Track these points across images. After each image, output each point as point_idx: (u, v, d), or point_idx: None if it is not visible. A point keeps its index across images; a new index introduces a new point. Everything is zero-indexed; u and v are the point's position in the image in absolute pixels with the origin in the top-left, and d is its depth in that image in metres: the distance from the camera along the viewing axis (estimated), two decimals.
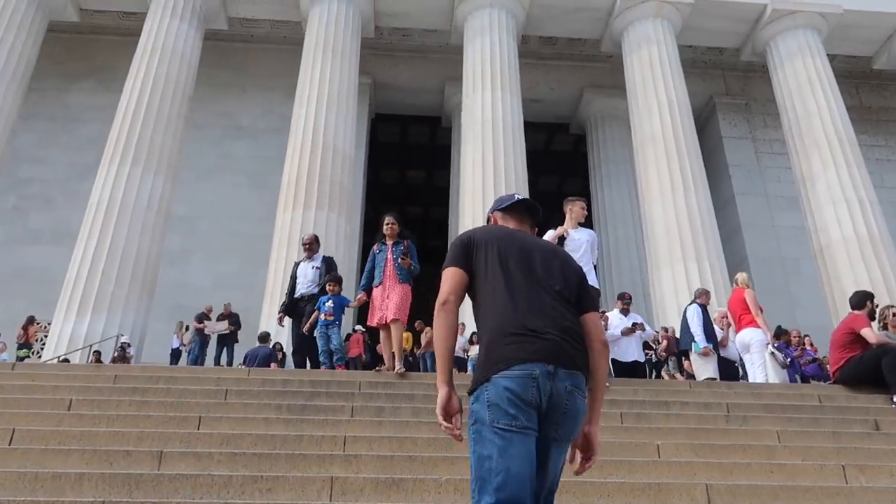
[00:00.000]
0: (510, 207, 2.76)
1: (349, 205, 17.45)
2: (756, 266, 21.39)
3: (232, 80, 22.72)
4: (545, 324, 2.34)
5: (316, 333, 7.87)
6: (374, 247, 7.63)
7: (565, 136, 27.69)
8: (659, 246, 16.90)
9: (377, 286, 7.31)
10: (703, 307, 7.97)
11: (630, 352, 8.45)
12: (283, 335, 14.47)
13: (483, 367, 2.33)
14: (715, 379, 7.53)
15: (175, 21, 18.25)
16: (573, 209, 6.31)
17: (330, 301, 7.84)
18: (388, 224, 7.43)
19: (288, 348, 11.04)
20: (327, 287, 8.01)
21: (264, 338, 13.05)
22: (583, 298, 2.53)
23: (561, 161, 28.61)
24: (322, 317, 7.80)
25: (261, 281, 16.29)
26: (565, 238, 6.12)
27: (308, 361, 8.54)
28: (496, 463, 2.16)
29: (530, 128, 20.50)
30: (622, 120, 23.69)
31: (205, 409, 5.44)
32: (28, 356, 15.10)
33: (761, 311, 7.66)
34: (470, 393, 2.37)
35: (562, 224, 6.43)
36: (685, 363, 9.37)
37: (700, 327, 7.71)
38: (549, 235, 6.15)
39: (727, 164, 23.08)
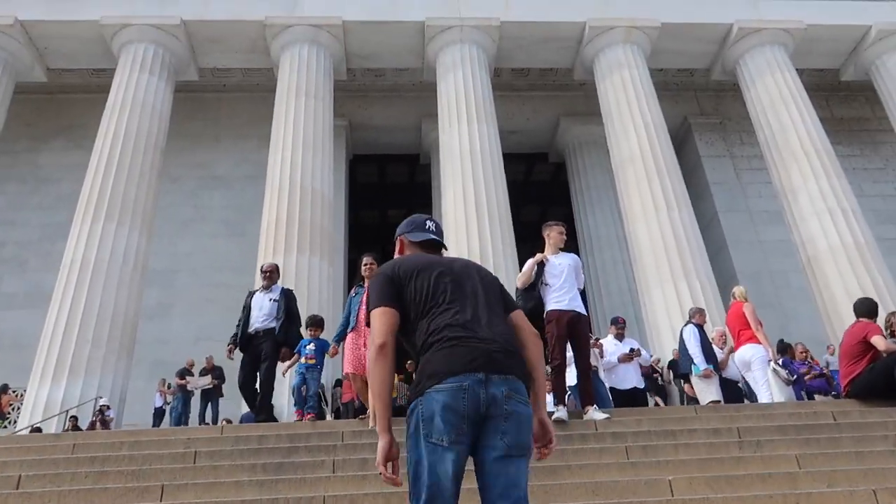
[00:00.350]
0: (423, 243, 2.81)
1: (331, 248, 17.13)
2: (745, 282, 21.18)
3: (205, 131, 22.54)
4: (474, 336, 2.38)
5: (293, 376, 7.56)
6: (352, 290, 6.92)
7: (545, 166, 27.70)
8: (647, 266, 16.70)
9: (351, 332, 6.65)
10: (700, 327, 7.64)
11: (628, 378, 8.14)
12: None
13: (417, 383, 2.36)
14: (719, 402, 7.17)
15: (144, 75, 18.09)
16: (551, 234, 5.94)
17: (312, 345, 7.32)
18: (366, 265, 6.68)
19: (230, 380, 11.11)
20: (308, 332, 7.44)
21: None
22: (507, 301, 2.64)
23: (542, 190, 28.57)
24: (303, 360, 7.25)
25: None
26: (544, 264, 5.91)
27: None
28: (427, 476, 2.20)
29: (510, 159, 20.42)
30: (600, 145, 23.73)
31: (170, 476, 4.95)
32: (4, 426, 14.43)
33: (761, 325, 7.35)
34: (407, 405, 2.40)
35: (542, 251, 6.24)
36: (685, 387, 9.04)
37: (699, 348, 7.38)
38: (528, 263, 5.99)
39: (708, 182, 23.10)
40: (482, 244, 16.16)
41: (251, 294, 7.88)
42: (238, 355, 7.64)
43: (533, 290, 5.90)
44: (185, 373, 14.59)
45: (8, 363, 17.27)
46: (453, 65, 19.28)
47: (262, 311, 7.45)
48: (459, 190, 17.20)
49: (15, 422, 15.21)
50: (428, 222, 2.88)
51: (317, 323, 7.53)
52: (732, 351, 7.50)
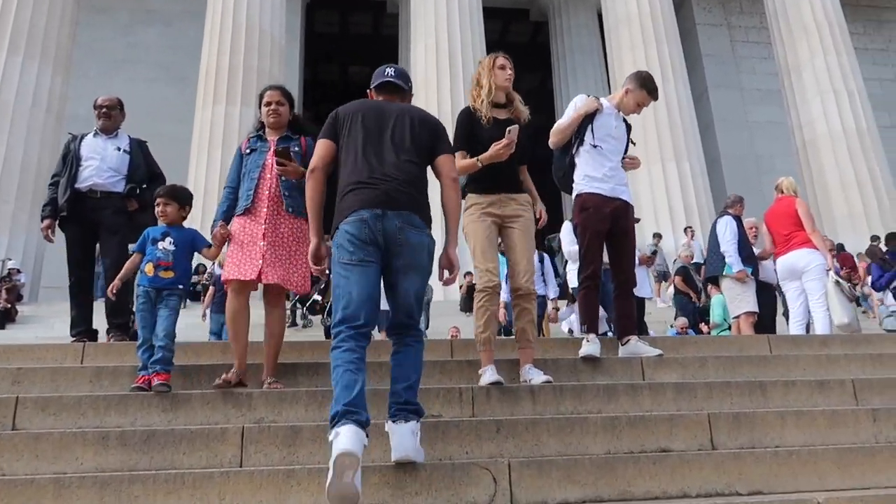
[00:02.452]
0: (379, 86, 3.10)
1: None
2: (728, 164, 20.06)
3: None
4: (379, 176, 2.79)
5: (135, 307, 3.67)
6: (243, 144, 3.91)
7: (522, 26, 25.15)
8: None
9: (242, 214, 3.69)
10: (738, 219, 6.16)
11: (643, 286, 6.81)
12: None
13: (335, 217, 2.82)
14: (755, 313, 5.90)
15: None
16: (634, 97, 3.96)
17: (167, 238, 3.66)
18: (268, 104, 3.85)
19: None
20: (158, 209, 3.75)
21: None
22: (436, 147, 2.98)
23: (518, 53, 26.10)
24: (148, 269, 3.61)
25: None
26: (595, 116, 3.96)
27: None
28: (342, 289, 2.68)
29: (484, 14, 18.07)
30: (589, 4, 21.40)
31: None
32: None
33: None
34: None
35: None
36: (711, 290, 7.78)
37: (734, 245, 5.88)
38: (571, 111, 4.12)
39: (700, 53, 21.20)
40: (454, 105, 14.28)
41: (78, 138, 4.85)
42: (60, 236, 4.69)
43: (566, 154, 4.07)
44: None
45: None
46: None
47: (105, 163, 4.69)
48: (432, 42, 15.04)
49: None
50: (388, 69, 3.13)
51: (174, 195, 3.80)
52: (771, 254, 6.11)
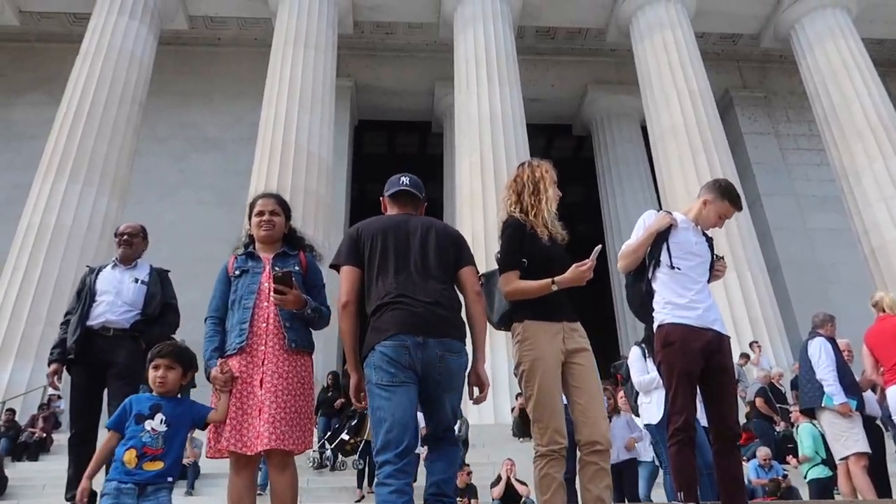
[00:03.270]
0: (394, 195, 3.12)
1: (329, 221, 15.10)
2: (790, 273, 19.11)
3: (196, 88, 20.38)
4: (415, 298, 2.77)
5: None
6: (229, 264, 3.23)
7: (566, 140, 25.45)
8: None
9: (234, 354, 3.02)
10: (833, 341, 5.41)
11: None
12: None
13: (368, 339, 2.77)
14: (867, 454, 4.96)
15: (124, 18, 15.98)
16: (715, 209, 3.44)
17: (159, 416, 2.80)
18: (260, 213, 3.26)
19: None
20: (157, 373, 2.89)
21: None
22: (460, 259, 2.99)
23: (562, 167, 26.21)
24: (128, 459, 2.70)
25: None
26: (670, 232, 3.41)
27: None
28: (384, 412, 2.63)
29: (529, 130, 18.22)
30: (632, 118, 21.54)
31: None
32: None
33: None
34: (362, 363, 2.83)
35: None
36: (798, 417, 6.89)
37: (833, 373, 5.07)
38: (642, 229, 3.60)
39: (750, 161, 20.81)
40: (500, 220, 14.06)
41: (95, 271, 4.41)
42: (67, 379, 4.18)
43: (641, 279, 3.50)
44: None
45: None
46: (473, 18, 17.05)
47: (120, 297, 4.20)
48: (476, 159, 15.08)
49: None
50: (402, 178, 3.16)
51: (183, 357, 3.01)
52: (875, 383, 5.29)
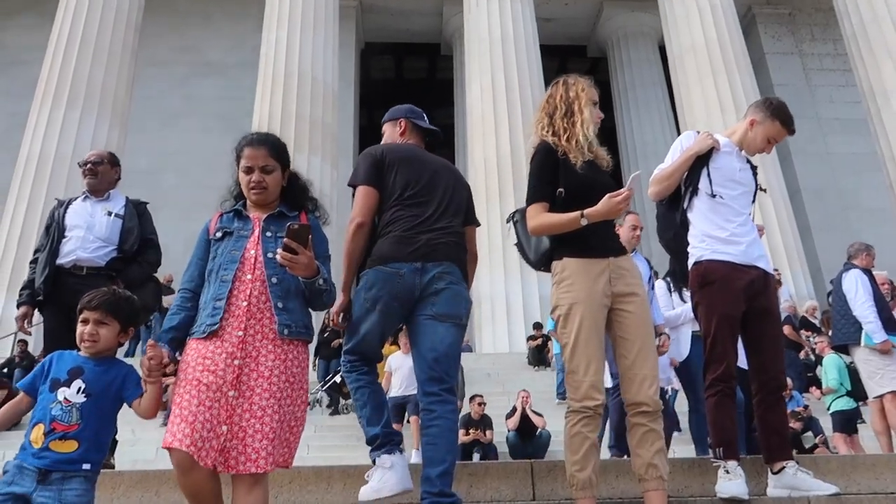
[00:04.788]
0: (419, 129, 3.08)
1: (335, 148, 14.67)
2: (810, 199, 18.66)
3: (194, 8, 19.57)
4: (427, 230, 2.75)
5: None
6: (211, 222, 2.48)
7: (580, 63, 24.52)
8: None
9: (202, 337, 2.26)
10: (869, 274, 4.97)
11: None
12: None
13: (370, 260, 2.75)
14: None
15: None
16: (764, 130, 3.08)
17: (78, 382, 2.15)
18: (248, 170, 2.43)
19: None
20: (85, 328, 2.23)
21: None
22: (469, 214, 3.00)
23: None
24: (34, 436, 2.09)
25: None
26: (711, 156, 3.02)
27: None
28: (359, 326, 2.73)
29: (541, 51, 17.51)
30: (649, 38, 20.63)
31: None
32: None
33: None
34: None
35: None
36: (823, 347, 6.69)
37: (872, 308, 4.76)
38: (679, 151, 3.22)
39: (772, 83, 19.98)
40: (513, 145, 13.63)
41: (64, 204, 4.01)
42: (38, 320, 3.82)
43: (675, 209, 3.10)
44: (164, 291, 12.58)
45: None
46: None
47: (92, 232, 3.82)
48: (488, 81, 14.50)
49: None
50: (424, 115, 3.16)
51: (120, 308, 2.29)
52: None
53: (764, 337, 2.96)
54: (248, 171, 2.36)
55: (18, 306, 3.86)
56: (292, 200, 2.48)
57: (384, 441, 2.65)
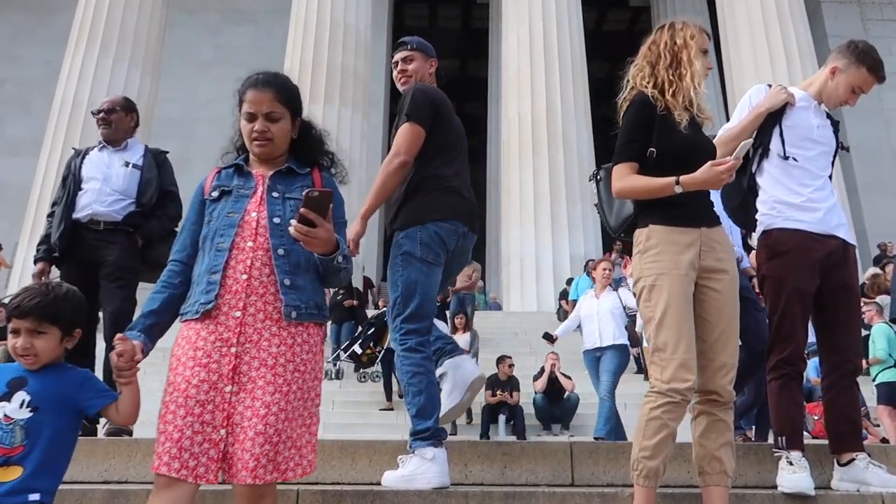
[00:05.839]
0: (438, 74, 3.09)
1: (367, 98, 14.38)
2: (861, 159, 17.86)
3: None
4: (468, 191, 2.85)
5: None
6: (208, 179, 2.03)
7: (620, 12, 23.58)
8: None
9: (194, 318, 1.85)
10: None
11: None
12: None
13: (419, 212, 2.71)
14: None
15: None
16: (848, 79, 2.76)
17: (21, 393, 1.71)
18: (251, 117, 1.97)
19: None
20: (17, 343, 1.75)
21: None
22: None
23: (615, 42, 24.58)
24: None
25: None
26: (785, 111, 2.68)
27: None
28: (421, 286, 2.66)
29: (582, 1, 16.81)
30: None
31: None
32: None
33: None
34: (401, 229, 2.74)
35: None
36: (872, 316, 6.29)
37: None
38: (751, 105, 2.70)
39: (826, 33, 18.97)
40: (549, 100, 13.18)
41: (81, 153, 3.78)
42: (56, 275, 3.57)
43: (743, 171, 2.72)
44: None
45: (14, 216, 15.64)
46: None
47: (109, 185, 3.62)
48: (525, 33, 13.95)
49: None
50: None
51: (60, 313, 1.80)
52: None
53: (840, 314, 2.67)
54: (251, 118, 1.96)
55: (35, 262, 3.70)
56: (304, 154, 2.06)
57: (433, 435, 2.53)
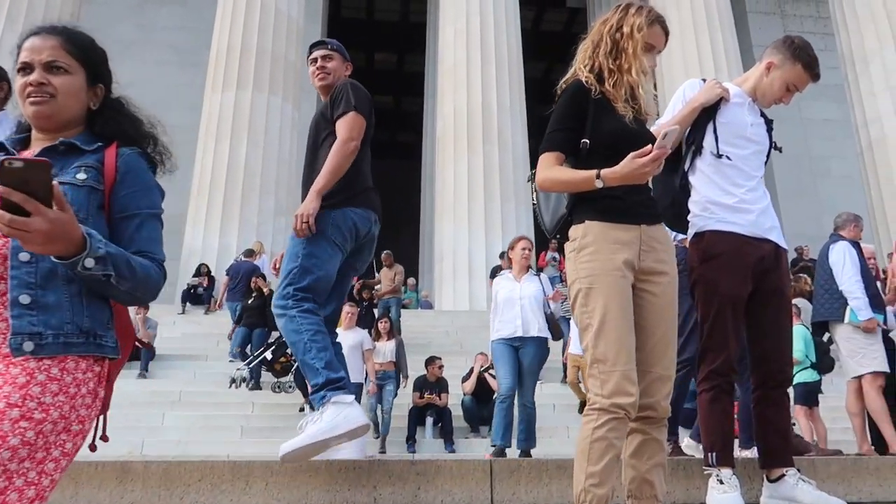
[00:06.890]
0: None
1: (298, 87, 13.89)
2: (780, 165, 18.52)
3: None
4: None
5: None
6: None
7: (556, 13, 23.77)
8: None
9: None
10: (857, 246, 4.67)
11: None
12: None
13: (335, 196, 2.75)
14: (883, 374, 4.44)
15: None
16: (783, 76, 2.66)
17: None
18: (26, 67, 1.44)
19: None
20: None
21: (249, 253, 11.34)
22: None
23: (551, 42, 24.75)
24: None
25: (189, 181, 12.94)
26: (719, 107, 2.56)
27: None
28: (321, 264, 2.69)
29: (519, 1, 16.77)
30: None
31: None
32: None
33: None
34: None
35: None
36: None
37: (859, 283, 4.46)
38: (684, 101, 2.54)
39: (752, 44, 19.59)
40: (485, 96, 13.06)
41: None
42: None
43: (675, 169, 2.59)
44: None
45: None
46: None
47: None
48: (462, 26, 13.79)
49: None
50: None
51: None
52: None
53: (771, 322, 2.53)
54: (26, 69, 1.42)
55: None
56: (102, 125, 1.52)
57: (346, 384, 2.55)
